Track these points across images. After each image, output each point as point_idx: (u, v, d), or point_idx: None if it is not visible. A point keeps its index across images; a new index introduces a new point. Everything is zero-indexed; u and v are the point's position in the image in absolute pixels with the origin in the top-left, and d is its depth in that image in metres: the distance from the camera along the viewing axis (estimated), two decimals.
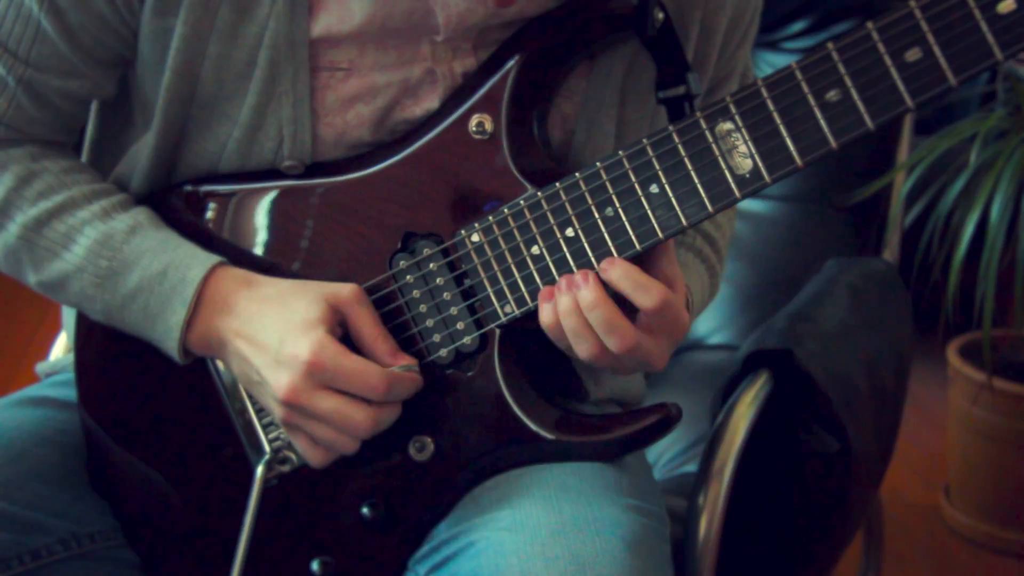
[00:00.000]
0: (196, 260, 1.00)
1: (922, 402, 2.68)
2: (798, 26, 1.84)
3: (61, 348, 1.39)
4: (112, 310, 1.03)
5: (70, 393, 1.14)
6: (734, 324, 1.76)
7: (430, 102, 1.01)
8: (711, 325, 1.77)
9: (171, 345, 1.01)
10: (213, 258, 1.01)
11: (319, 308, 0.97)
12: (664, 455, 1.56)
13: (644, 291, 0.93)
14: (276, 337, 0.96)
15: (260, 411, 1.05)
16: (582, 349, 0.95)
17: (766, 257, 1.79)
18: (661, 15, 0.97)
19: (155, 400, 1.08)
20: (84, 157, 1.14)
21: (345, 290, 0.98)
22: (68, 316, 1.19)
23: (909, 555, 2.28)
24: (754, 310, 1.73)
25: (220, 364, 1.05)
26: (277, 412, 0.98)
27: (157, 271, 1.01)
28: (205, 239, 1.04)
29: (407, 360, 0.98)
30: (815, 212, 1.81)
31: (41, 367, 1.25)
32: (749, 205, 1.81)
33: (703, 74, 1.07)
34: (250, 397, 1.05)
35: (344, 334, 0.98)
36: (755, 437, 1.26)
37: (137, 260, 1.01)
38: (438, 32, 0.98)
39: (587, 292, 0.93)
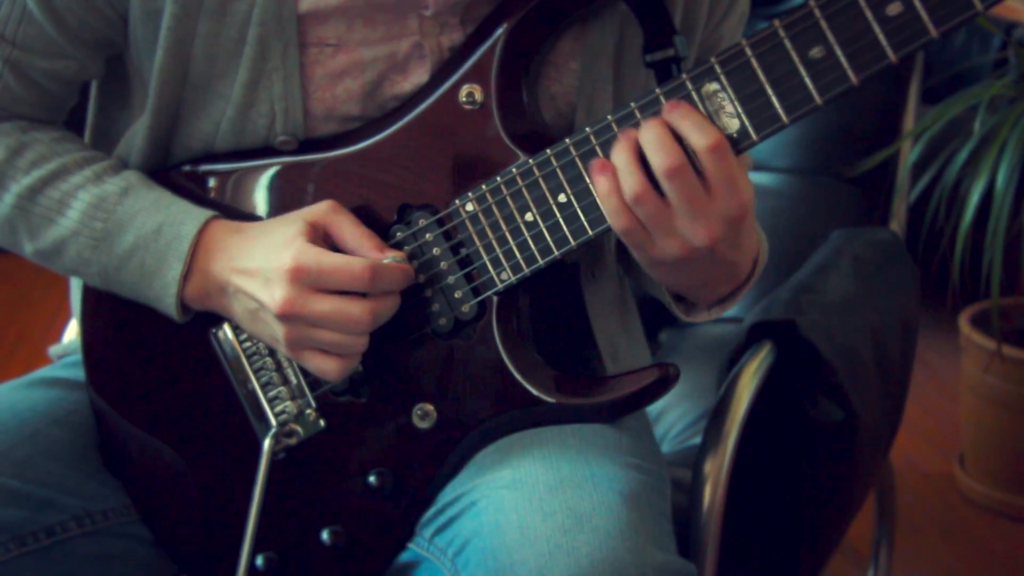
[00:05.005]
0: (189, 216, 1.02)
1: (936, 371, 2.69)
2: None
3: (74, 330, 1.41)
4: (109, 272, 1.05)
5: (81, 373, 1.15)
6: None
7: (419, 77, 1.03)
8: None
9: (168, 301, 1.03)
10: (206, 212, 1.03)
11: (297, 225, 0.98)
12: (673, 428, 1.57)
13: (700, 130, 0.91)
14: (263, 259, 0.98)
15: (265, 385, 1.06)
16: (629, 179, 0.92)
17: (772, 229, 1.77)
18: None
19: (161, 378, 1.10)
20: (86, 142, 1.16)
21: (320, 205, 1.00)
22: (76, 298, 1.20)
23: (924, 524, 2.29)
24: (761, 282, 1.71)
25: (223, 331, 1.07)
26: (280, 333, 0.98)
27: (152, 229, 1.02)
28: None
29: (394, 253, 0.99)
30: (821, 183, 1.81)
31: (54, 349, 1.27)
32: (755, 177, 1.80)
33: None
34: (255, 373, 1.06)
35: (332, 247, 0.99)
36: (761, 408, 1.27)
37: (131, 220, 1.03)
38: (426, 7, 1.00)
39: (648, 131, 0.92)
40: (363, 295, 0.97)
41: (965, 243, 1.87)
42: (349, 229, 0.99)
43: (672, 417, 1.59)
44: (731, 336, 1.47)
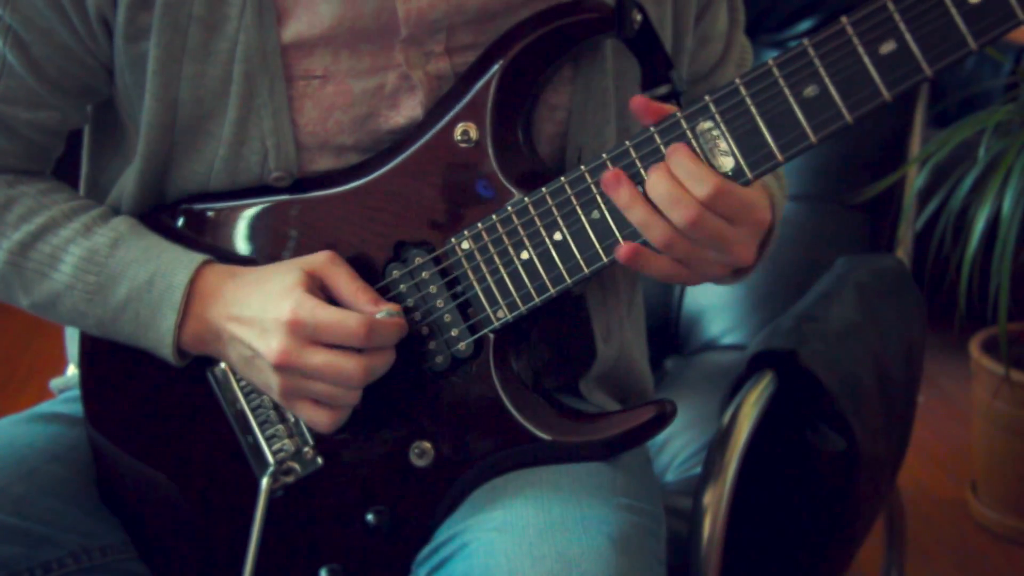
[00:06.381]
0: (180, 264, 1.02)
1: (949, 397, 2.67)
2: (804, 25, 1.85)
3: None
4: (105, 323, 1.05)
5: (80, 409, 1.15)
6: (747, 324, 1.76)
7: (411, 110, 1.03)
8: (724, 326, 1.77)
9: (165, 351, 1.03)
10: (197, 258, 1.03)
11: (295, 275, 0.98)
12: (677, 456, 1.57)
13: (697, 180, 0.92)
14: (259, 309, 0.98)
15: (263, 423, 1.06)
16: (654, 232, 0.94)
17: (778, 256, 1.75)
18: (639, 16, 0.98)
19: (159, 416, 1.10)
20: (81, 193, 1.16)
21: (318, 255, 1.00)
22: (72, 340, 1.20)
23: (935, 551, 2.27)
24: (766, 310, 1.73)
25: (220, 369, 1.06)
26: (275, 383, 0.99)
27: (144, 280, 1.03)
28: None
29: (389, 307, 0.99)
30: (827, 210, 1.80)
31: (55, 383, 1.27)
32: None
33: (682, 56, 1.08)
34: (252, 411, 1.06)
35: (328, 299, 0.99)
36: (762, 437, 1.26)
37: (124, 271, 1.03)
38: (398, 33, 1.00)
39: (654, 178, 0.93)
40: (358, 349, 0.97)
41: (972, 269, 1.86)
42: (345, 282, 0.99)
43: (676, 445, 1.59)
44: (735, 364, 1.46)
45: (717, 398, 1.39)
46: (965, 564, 2.25)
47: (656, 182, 0.92)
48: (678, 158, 0.92)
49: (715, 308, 1.79)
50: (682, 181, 0.92)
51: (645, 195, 0.93)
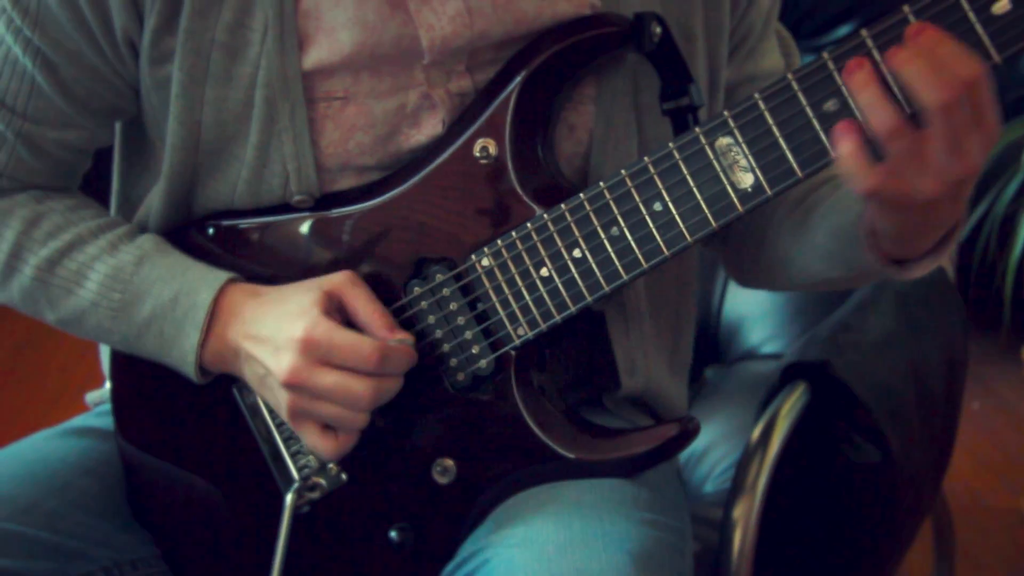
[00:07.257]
0: (205, 283, 1.03)
1: (1006, 404, 2.63)
2: (843, 30, 1.83)
3: None
4: (130, 340, 1.06)
5: (112, 422, 1.17)
6: (786, 333, 1.74)
7: (433, 128, 1.02)
8: (763, 335, 1.76)
9: (187, 368, 1.04)
10: (221, 276, 1.03)
11: (313, 295, 0.99)
12: (716, 467, 1.55)
13: (963, 60, 0.83)
14: (275, 328, 0.98)
15: (287, 440, 1.07)
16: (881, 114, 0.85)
17: None
18: (659, 29, 0.97)
19: (189, 430, 1.11)
20: (112, 212, 1.17)
21: (338, 275, 1.00)
22: (106, 355, 1.22)
23: (988, 560, 2.23)
24: (806, 318, 1.71)
25: (246, 387, 1.07)
26: (284, 401, 0.99)
27: (168, 298, 1.03)
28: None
29: (403, 335, 0.99)
30: None
31: (90, 396, 1.29)
32: None
33: (718, 65, 1.07)
34: (277, 427, 1.07)
35: (344, 320, 1.00)
36: (797, 448, 1.25)
37: (148, 289, 1.04)
38: (423, 56, 1.00)
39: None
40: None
41: (1020, 275, 1.83)
42: (363, 304, 0.99)
43: (715, 456, 1.57)
44: (774, 374, 1.45)
45: (756, 408, 1.38)
46: (1019, 574, 2.21)
47: (909, 58, 0.84)
48: (932, 38, 0.83)
49: (755, 317, 1.77)
50: (944, 60, 0.83)
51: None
